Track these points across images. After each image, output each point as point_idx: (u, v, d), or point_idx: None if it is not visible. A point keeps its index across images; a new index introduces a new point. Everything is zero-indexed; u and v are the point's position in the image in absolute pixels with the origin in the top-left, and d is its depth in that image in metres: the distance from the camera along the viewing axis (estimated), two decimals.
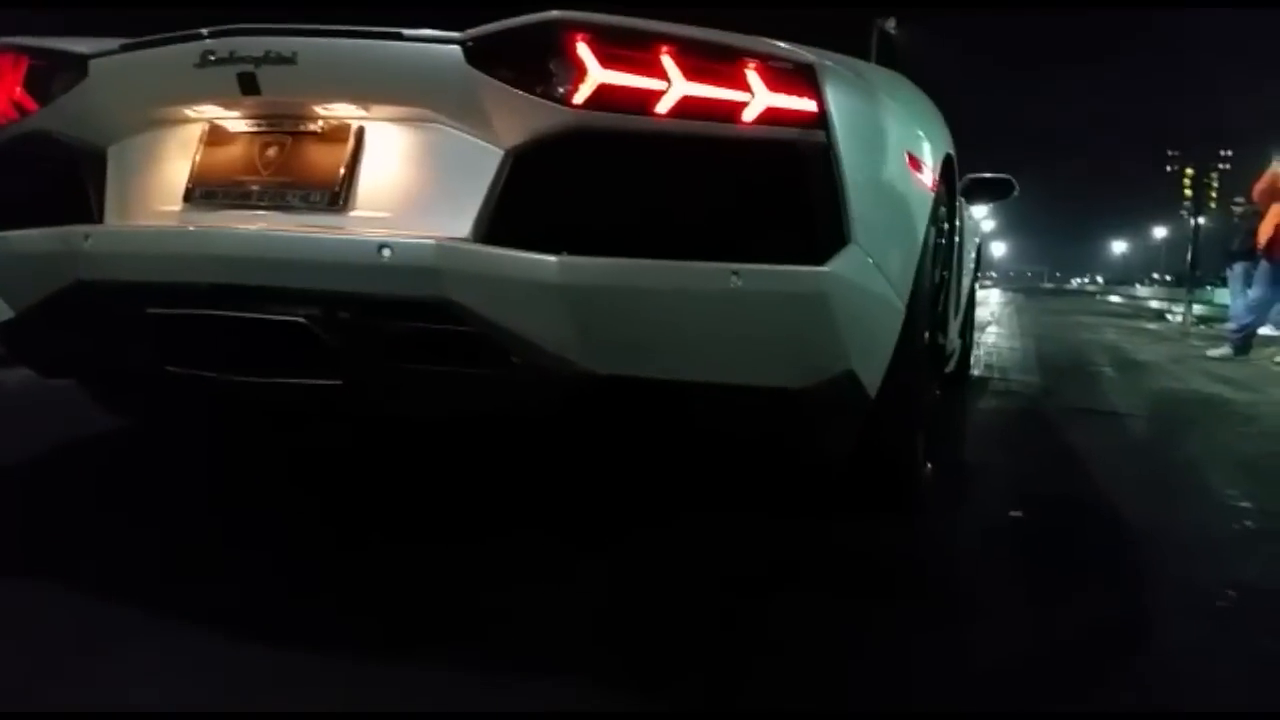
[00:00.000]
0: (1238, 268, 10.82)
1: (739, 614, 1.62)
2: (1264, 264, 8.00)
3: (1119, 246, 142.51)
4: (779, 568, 1.88)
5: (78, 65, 1.86)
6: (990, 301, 19.15)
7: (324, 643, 1.43)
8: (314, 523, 2.05)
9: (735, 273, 1.57)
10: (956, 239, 2.91)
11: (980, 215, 5.54)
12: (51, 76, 1.91)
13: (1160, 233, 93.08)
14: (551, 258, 1.56)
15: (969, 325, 4.98)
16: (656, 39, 1.60)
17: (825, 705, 1.34)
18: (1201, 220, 26.91)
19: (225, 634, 1.43)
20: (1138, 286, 64.49)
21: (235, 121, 1.79)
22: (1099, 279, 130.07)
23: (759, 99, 1.60)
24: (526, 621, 1.56)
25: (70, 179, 1.90)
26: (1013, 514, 2.34)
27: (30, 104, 1.94)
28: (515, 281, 1.57)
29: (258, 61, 1.68)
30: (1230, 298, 11.60)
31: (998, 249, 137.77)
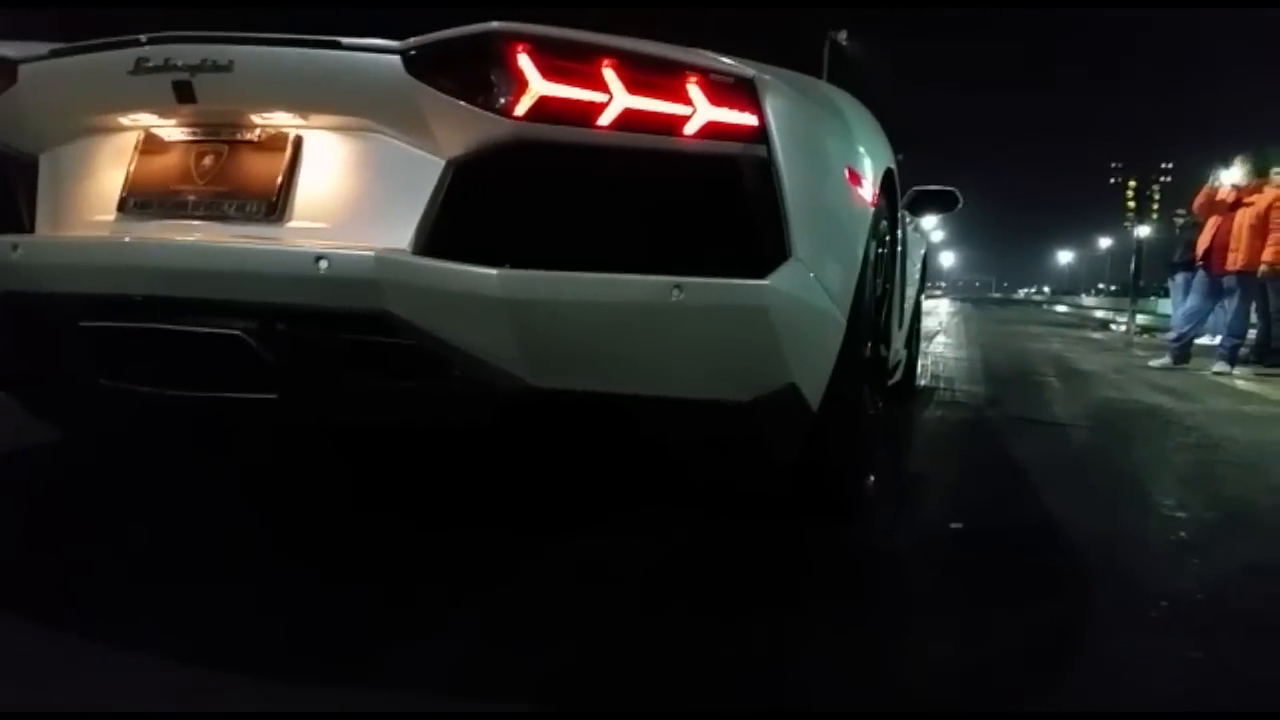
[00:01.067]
0: (1179, 278, 11.19)
1: (669, 621, 1.63)
2: (1200, 274, 8.19)
3: (1065, 257, 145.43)
4: (713, 576, 1.88)
5: (6, 70, 1.82)
6: (938, 311, 19.40)
7: (303, 646, 1.42)
8: (276, 525, 2.04)
9: (677, 286, 1.58)
10: (900, 250, 2.94)
11: (929, 226, 5.61)
12: None
13: (1105, 243, 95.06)
14: (492, 270, 1.55)
15: (915, 336, 5.04)
16: (598, 51, 1.60)
17: (823, 705, 1.35)
18: (1145, 231, 27.53)
19: (200, 642, 1.42)
20: (1084, 296, 65.84)
21: (171, 130, 1.76)
22: (1045, 289, 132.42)
23: (700, 113, 1.60)
24: (515, 622, 1.57)
25: (0, 187, 1.86)
26: (953, 525, 2.37)
27: None
28: (456, 294, 1.56)
29: (193, 69, 1.66)
30: (1171, 308, 11.98)
31: (946, 259, 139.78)
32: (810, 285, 1.72)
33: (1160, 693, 1.49)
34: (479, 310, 1.56)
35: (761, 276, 1.62)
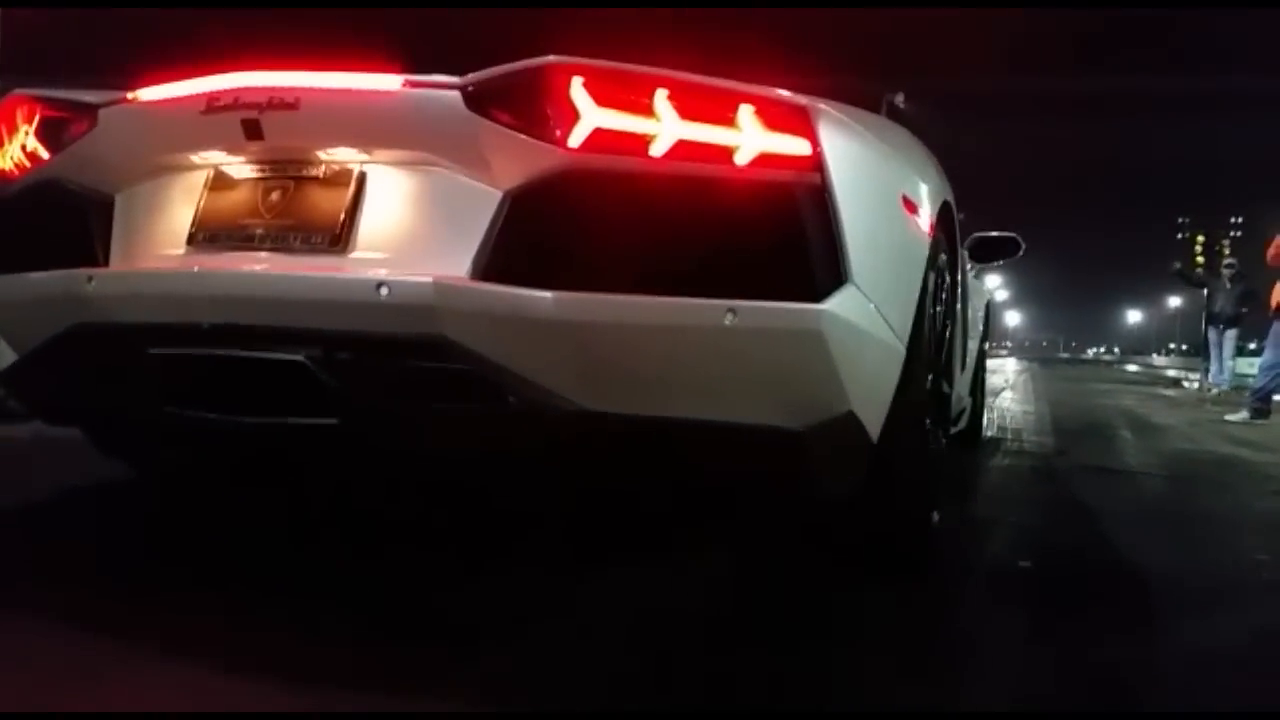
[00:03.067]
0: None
1: (736, 655, 1.60)
2: (1276, 326, 7.97)
3: (1134, 316, 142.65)
4: (775, 597, 1.86)
5: (88, 114, 1.90)
6: (1005, 370, 19.11)
7: (323, 653, 1.42)
8: (311, 545, 2.07)
9: (731, 310, 1.57)
10: (960, 292, 2.90)
11: (993, 285, 5.56)
12: (63, 125, 1.95)
13: (1175, 302, 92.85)
14: (547, 294, 1.57)
15: (979, 385, 4.95)
16: (651, 83, 1.63)
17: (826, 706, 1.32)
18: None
19: (222, 666, 1.43)
20: (1154, 356, 64.42)
21: (239, 167, 1.82)
22: (1115, 349, 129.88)
23: (754, 142, 1.61)
24: (524, 627, 1.56)
25: (79, 225, 1.93)
26: (1021, 564, 2.31)
27: (43, 152, 1.98)
28: (511, 318, 1.58)
29: (261, 107, 1.71)
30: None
31: (1012, 318, 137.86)
32: (868, 312, 1.70)
33: None
34: (533, 333, 1.58)
35: (817, 301, 1.61)
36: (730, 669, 1.54)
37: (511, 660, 1.52)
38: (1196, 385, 15.91)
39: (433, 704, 1.34)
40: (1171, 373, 26.12)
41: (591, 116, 1.62)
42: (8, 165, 2.02)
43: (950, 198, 2.38)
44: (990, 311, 5.46)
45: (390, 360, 1.65)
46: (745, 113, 1.62)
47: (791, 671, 1.54)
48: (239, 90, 1.74)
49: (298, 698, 1.34)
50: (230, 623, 1.63)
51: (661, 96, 1.62)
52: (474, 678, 1.45)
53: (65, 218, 1.94)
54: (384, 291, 1.59)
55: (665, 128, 1.61)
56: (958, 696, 1.51)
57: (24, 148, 1.99)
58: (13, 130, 2.01)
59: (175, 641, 1.52)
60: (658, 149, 1.61)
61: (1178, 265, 13.27)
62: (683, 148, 1.61)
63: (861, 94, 2.57)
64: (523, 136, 1.64)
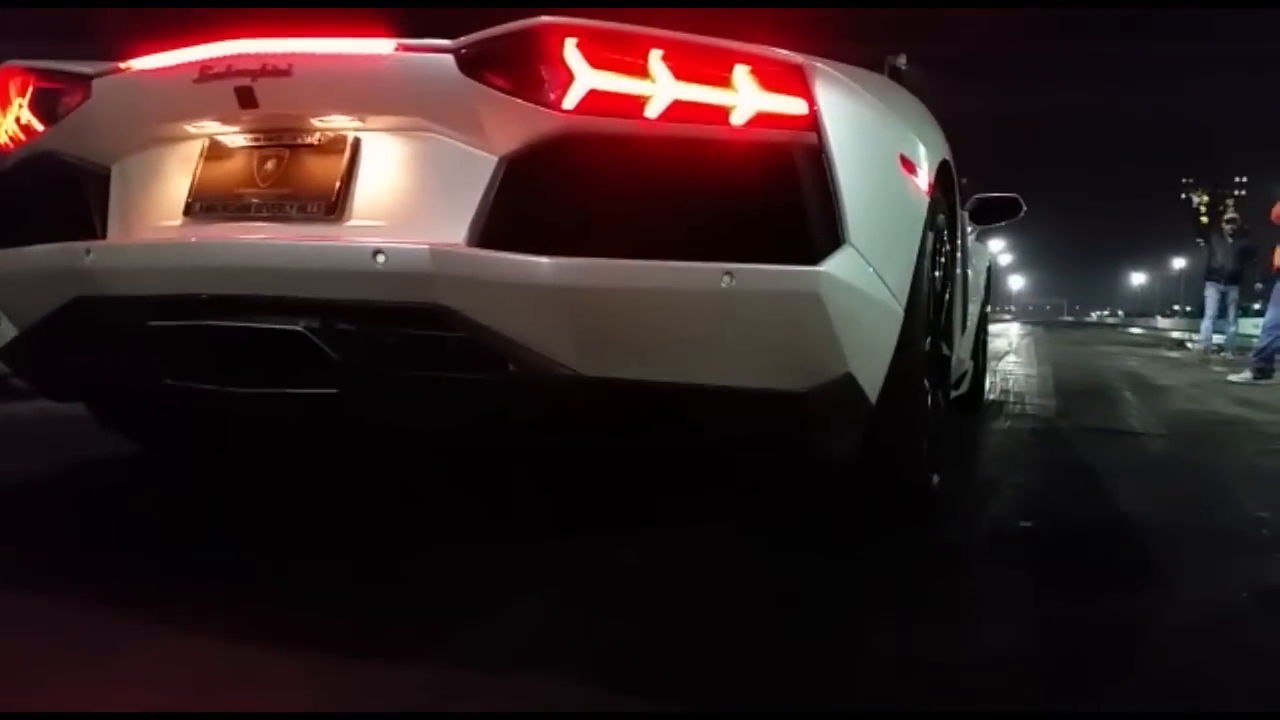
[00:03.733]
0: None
1: (740, 617, 1.61)
2: (1278, 285, 7.96)
3: (1138, 279, 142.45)
4: (778, 559, 1.86)
5: (82, 85, 1.90)
6: (1008, 334, 19.06)
7: (319, 642, 1.42)
8: (310, 526, 2.08)
9: (728, 273, 1.57)
10: (961, 252, 2.89)
11: (997, 249, 5.52)
12: (57, 97, 1.95)
13: (1179, 264, 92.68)
14: (544, 259, 1.57)
15: (982, 349, 4.95)
16: (646, 43, 1.61)
17: (826, 705, 1.32)
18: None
19: (224, 636, 1.43)
20: (1158, 319, 64.36)
21: (234, 136, 1.81)
22: (1119, 312, 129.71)
23: (750, 102, 1.60)
24: (525, 622, 1.55)
25: (75, 197, 1.93)
26: (1022, 524, 2.32)
27: (37, 125, 1.97)
28: (508, 284, 1.58)
29: (254, 75, 1.71)
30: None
31: (1015, 283, 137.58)
32: (865, 273, 1.69)
33: (1240, 685, 1.43)
34: (530, 299, 1.57)
35: (814, 263, 1.60)
36: (727, 632, 1.55)
37: (491, 635, 1.53)
38: (1200, 346, 15.89)
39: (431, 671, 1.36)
40: (1175, 334, 26.10)
41: (585, 78, 1.61)
42: (2, 139, 2.01)
43: (949, 156, 2.36)
44: (992, 274, 5.43)
45: (388, 328, 1.65)
46: (741, 72, 1.60)
47: (786, 636, 1.55)
48: (232, 58, 1.73)
49: (295, 664, 1.35)
50: (228, 595, 1.63)
51: (656, 57, 1.60)
52: (483, 637, 1.46)
53: (62, 190, 1.94)
54: (380, 259, 1.59)
55: (660, 89, 1.60)
56: (956, 655, 1.52)
57: (18, 120, 1.98)
58: (6, 102, 2.00)
59: (175, 614, 1.52)
60: (653, 110, 1.60)
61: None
62: (678, 109, 1.60)
63: (863, 57, 2.55)
64: (517, 100, 1.63)
